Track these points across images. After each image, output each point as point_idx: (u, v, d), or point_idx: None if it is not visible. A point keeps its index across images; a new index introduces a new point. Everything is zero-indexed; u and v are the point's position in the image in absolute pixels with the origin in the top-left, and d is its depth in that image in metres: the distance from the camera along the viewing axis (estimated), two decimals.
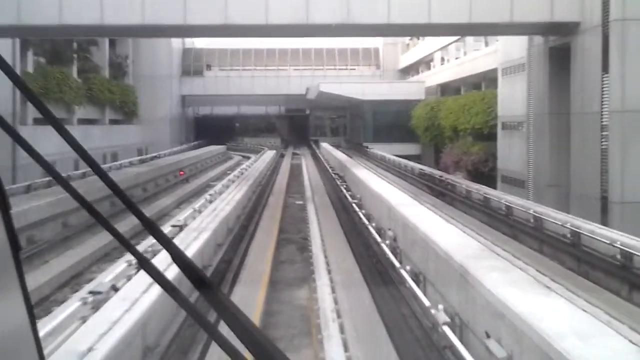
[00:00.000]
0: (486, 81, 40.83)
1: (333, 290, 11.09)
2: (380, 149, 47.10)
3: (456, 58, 49.46)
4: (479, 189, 22.65)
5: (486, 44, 41.42)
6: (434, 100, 46.45)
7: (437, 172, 29.86)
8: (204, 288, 1.20)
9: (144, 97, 59.17)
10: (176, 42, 65.45)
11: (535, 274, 7.63)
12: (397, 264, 10.16)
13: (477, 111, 35.36)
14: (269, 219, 21.14)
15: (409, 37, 62.23)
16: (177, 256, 1.23)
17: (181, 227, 12.96)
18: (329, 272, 12.64)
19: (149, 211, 21.45)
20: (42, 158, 1.26)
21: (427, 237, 9.29)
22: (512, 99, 29.87)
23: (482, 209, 21.29)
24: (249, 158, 46.32)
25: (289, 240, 18.17)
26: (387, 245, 11.55)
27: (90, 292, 8.07)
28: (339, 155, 33.96)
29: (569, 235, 14.17)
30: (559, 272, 13.08)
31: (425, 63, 59.36)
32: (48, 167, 1.27)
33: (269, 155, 43.74)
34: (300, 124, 79.38)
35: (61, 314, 7.29)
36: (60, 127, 1.26)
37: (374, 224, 14.05)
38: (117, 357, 6.08)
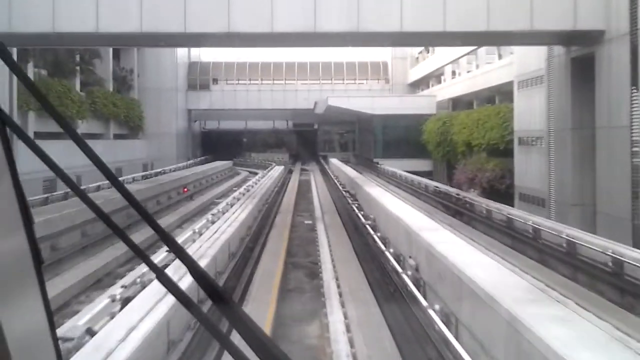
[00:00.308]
0: (500, 95, 39.52)
1: (348, 329, 9.74)
2: (390, 165, 45.83)
3: (468, 72, 48.25)
4: (501, 209, 21.19)
5: (499, 57, 40.16)
6: (446, 115, 45.18)
7: (453, 190, 28.45)
8: (219, 300, 1.20)
9: (149, 111, 58.29)
10: (182, 56, 64.63)
11: (607, 327, 6.22)
12: (423, 301, 8.73)
13: (492, 126, 34.04)
14: (276, 241, 19.80)
15: (418, 51, 61.37)
16: (192, 267, 1.23)
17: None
18: (342, 305, 11.32)
19: (146, 232, 20.24)
20: (62, 171, 1.29)
21: (460, 271, 7.90)
22: (530, 113, 28.58)
23: (505, 231, 19.82)
24: (256, 174, 45.05)
25: (297, 265, 16.79)
26: (408, 277, 10.12)
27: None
28: (349, 171, 32.60)
29: (610, 264, 12.75)
30: (613, 311, 11.67)
31: (435, 77, 58.14)
32: (67, 180, 1.30)
33: (276, 171, 42.43)
34: (308, 139, 78.26)
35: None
36: (79, 141, 1.28)
37: (391, 250, 12.58)
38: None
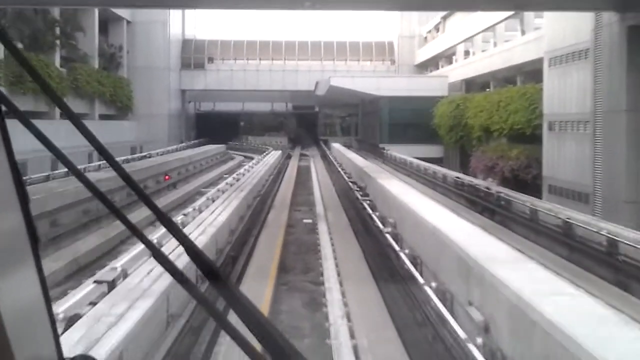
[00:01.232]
0: (523, 75, 35.70)
1: None
2: (397, 151, 42.02)
3: (482, 51, 44.37)
4: (554, 210, 16.86)
5: (522, 33, 36.26)
6: (460, 97, 41.25)
7: (479, 182, 24.54)
8: (215, 279, 1.20)
9: (139, 91, 54.74)
10: (175, 32, 60.80)
11: None
12: None
13: (516, 108, 30.24)
14: (267, 248, 15.72)
15: (427, 30, 57.57)
16: (188, 247, 1.23)
17: (111, 283, 7.86)
18: None
19: (104, 235, 16.82)
20: (59, 151, 1.29)
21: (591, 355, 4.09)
22: (565, 93, 24.86)
23: (562, 239, 15.30)
24: (252, 159, 41.49)
25: (293, 286, 12.52)
26: (475, 344, 6.00)
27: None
28: (355, 158, 28.53)
29: None
30: None
31: (446, 57, 54.28)
32: (65, 160, 1.30)
33: (273, 156, 38.59)
34: (308, 122, 74.63)
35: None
36: (77, 122, 1.28)
37: (433, 284, 8.25)
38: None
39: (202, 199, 16.33)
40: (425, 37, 59.57)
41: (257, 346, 1.12)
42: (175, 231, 1.27)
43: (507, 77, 39.01)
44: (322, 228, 17.02)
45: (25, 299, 1.25)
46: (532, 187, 27.08)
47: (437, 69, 56.11)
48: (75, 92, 41.36)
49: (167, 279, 7.22)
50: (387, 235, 11.92)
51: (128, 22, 55.89)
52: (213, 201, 16.05)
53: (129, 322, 6.22)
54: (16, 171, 1.21)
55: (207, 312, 1.28)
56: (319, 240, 15.93)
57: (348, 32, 58.71)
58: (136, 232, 1.33)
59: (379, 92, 46.55)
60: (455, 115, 39.62)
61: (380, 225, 13.16)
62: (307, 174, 34.36)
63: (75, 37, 43.98)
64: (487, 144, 35.67)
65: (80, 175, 1.32)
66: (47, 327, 1.31)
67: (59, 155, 1.28)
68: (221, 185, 19.86)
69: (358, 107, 64.88)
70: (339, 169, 29.59)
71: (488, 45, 43.92)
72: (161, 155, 38.49)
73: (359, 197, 18.09)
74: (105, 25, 53.61)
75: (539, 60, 29.21)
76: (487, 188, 21.27)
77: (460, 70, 46.80)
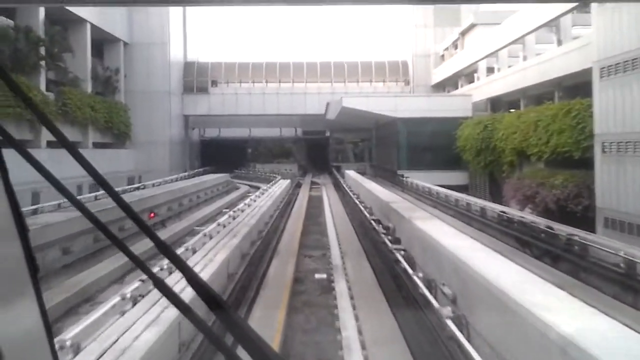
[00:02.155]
0: (562, 90, 31.55)
1: None
2: (417, 178, 37.84)
3: (509, 66, 40.37)
4: None
5: (559, 43, 32.27)
6: (487, 118, 37.09)
7: (538, 220, 19.13)
8: (219, 309, 1.20)
9: (138, 117, 51.34)
10: (176, 54, 57.25)
11: None
12: None
13: (560, 128, 26.08)
14: (261, 330, 10.11)
15: (444, 47, 53.90)
16: (189, 275, 1.24)
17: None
18: None
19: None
20: (59, 183, 1.30)
21: None
22: (623, 109, 20.80)
23: None
24: (257, 188, 37.58)
25: None
26: None
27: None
28: (375, 189, 23.84)
29: None
30: None
31: (466, 76, 50.32)
32: (65, 191, 1.32)
33: (280, 186, 34.48)
34: (319, 148, 70.70)
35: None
36: (75, 152, 1.29)
37: None
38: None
39: (182, 249, 12.19)
40: (442, 55, 55.90)
41: None
42: (177, 261, 1.27)
43: (540, 94, 34.97)
44: (341, 288, 12.23)
45: (25, 329, 1.23)
46: (583, 220, 22.87)
47: (456, 88, 52.18)
48: (64, 118, 37.82)
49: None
50: (449, 323, 7.55)
51: (125, 43, 52.62)
52: (194, 253, 11.95)
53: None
54: (14, 201, 1.21)
55: (212, 343, 1.24)
56: (337, 312, 10.85)
57: (359, 51, 55.19)
58: (138, 263, 1.31)
59: (395, 113, 42.37)
60: (483, 138, 35.51)
61: (431, 299, 8.61)
62: (319, 208, 29.96)
63: (63, 59, 40.42)
64: (521, 170, 31.62)
65: (80, 207, 1.32)
66: (48, 358, 1.29)
67: (58, 186, 1.29)
68: (211, 227, 15.70)
69: (372, 131, 60.97)
70: (356, 201, 25.35)
71: (515, 61, 39.96)
72: (158, 186, 34.40)
73: (387, 241, 13.79)
74: (100, 47, 50.41)
75: (584, 73, 25.26)
76: (549, 228, 16.70)
77: (484, 89, 42.69)
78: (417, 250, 11.81)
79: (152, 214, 21.77)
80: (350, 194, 29.70)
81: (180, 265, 1.26)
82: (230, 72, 61.59)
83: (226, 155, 66.61)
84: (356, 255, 16.22)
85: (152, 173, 46.55)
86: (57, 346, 5.55)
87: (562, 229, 16.40)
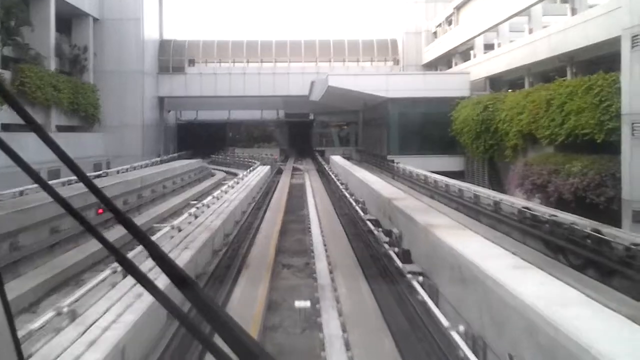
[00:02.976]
0: (575, 66, 28.16)
1: None
2: (409, 163, 34.46)
3: (510, 41, 36.94)
4: None
5: (573, 12, 28.81)
6: (488, 97, 33.53)
7: (579, 221, 14.87)
8: (185, 287, 1.18)
9: (108, 98, 47.63)
10: (151, 32, 53.50)
11: None
12: None
13: (579, 107, 22.67)
14: None
15: (436, 24, 50.30)
16: (158, 256, 1.22)
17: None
18: None
19: None
20: (29, 167, 1.29)
21: None
22: None
23: None
24: (236, 175, 34.03)
25: None
26: None
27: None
28: (368, 179, 19.62)
29: None
30: None
31: (460, 54, 46.90)
32: (35, 176, 1.32)
33: (257, 174, 30.86)
34: (302, 132, 67.01)
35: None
36: (43, 134, 1.26)
37: None
38: None
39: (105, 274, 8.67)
40: (435, 32, 52.30)
41: (229, 352, 1.10)
42: (140, 236, 1.24)
43: (547, 70, 31.64)
44: (331, 326, 8.25)
45: None
46: (605, 213, 19.55)
47: (449, 67, 48.68)
48: (23, 98, 34.11)
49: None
50: None
51: (95, 19, 48.84)
52: (129, 273, 8.42)
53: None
54: None
55: (178, 320, 1.21)
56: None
57: (346, 30, 51.70)
58: (108, 246, 1.29)
59: (387, 93, 38.61)
60: (483, 120, 32.08)
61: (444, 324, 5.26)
62: (301, 201, 26.03)
63: (21, 33, 36.58)
64: (525, 155, 28.30)
65: (52, 193, 1.33)
66: (11, 352, 1.27)
67: (27, 170, 1.28)
68: (163, 231, 12.19)
69: (359, 113, 57.46)
70: (344, 193, 21.62)
71: (517, 36, 36.59)
72: (123, 173, 30.63)
73: (393, 256, 10.05)
74: (68, 23, 46.67)
75: (607, 44, 21.94)
76: (597, 231, 13.13)
77: (482, 67, 39.13)
78: (445, 279, 8.21)
79: (100, 210, 18.07)
80: (337, 183, 26.05)
81: (143, 239, 1.22)
82: (209, 50, 57.89)
83: (204, 139, 63.29)
84: (350, 272, 12.21)
85: (123, 159, 42.90)
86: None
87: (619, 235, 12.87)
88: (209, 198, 18.51)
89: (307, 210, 21.22)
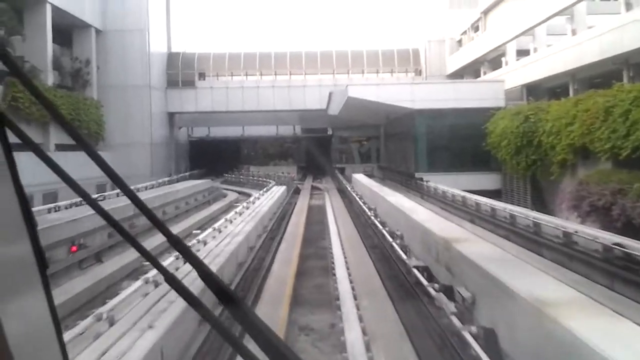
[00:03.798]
0: (633, 69, 24.57)
1: None
2: (439, 182, 30.94)
3: (548, 46, 33.40)
4: None
5: (627, 7, 25.21)
6: (530, 107, 29.81)
7: None
8: (229, 303, 1.19)
9: (114, 114, 44.70)
10: (158, 44, 50.48)
11: None
12: None
13: None
14: None
15: (461, 31, 46.90)
16: (200, 268, 1.23)
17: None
18: None
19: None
20: (74, 181, 1.33)
21: None
22: None
23: None
24: (249, 196, 30.60)
25: None
26: None
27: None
28: (404, 204, 15.90)
29: None
30: None
31: (489, 61, 43.41)
32: (79, 190, 1.34)
33: (273, 196, 27.38)
34: (320, 148, 63.54)
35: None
36: (91, 152, 1.29)
37: None
38: None
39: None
40: (460, 40, 48.87)
41: None
42: (188, 255, 1.26)
43: (595, 75, 28.06)
44: None
45: (33, 326, 1.23)
46: None
47: (477, 77, 45.13)
48: (16, 114, 31.14)
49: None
50: None
51: (97, 30, 45.83)
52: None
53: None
54: (22, 196, 1.20)
55: (222, 337, 1.24)
56: None
57: (364, 40, 48.58)
58: (149, 257, 1.34)
59: (412, 104, 34.91)
60: (524, 132, 28.45)
61: None
62: (322, 226, 22.61)
63: (12, 44, 33.59)
64: (574, 172, 24.73)
65: (95, 206, 1.34)
66: (57, 353, 1.28)
67: (72, 185, 1.31)
68: (135, 286, 8.82)
69: (380, 127, 53.95)
70: (373, 220, 18.13)
71: (556, 39, 33.09)
72: (118, 197, 27.08)
73: (466, 337, 6.60)
74: (68, 35, 43.78)
75: None
76: None
77: (517, 74, 35.50)
78: None
79: (74, 247, 14.60)
80: (363, 207, 22.44)
81: (191, 259, 1.24)
82: (220, 63, 54.80)
83: (217, 157, 59.98)
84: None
85: (130, 179, 39.43)
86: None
87: None
88: (208, 231, 14.99)
89: (329, 242, 17.57)
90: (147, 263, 15.26)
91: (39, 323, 1.25)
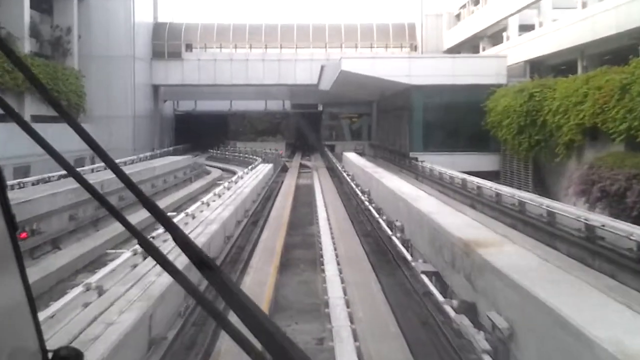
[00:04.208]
0: None
1: None
2: (435, 162, 29.19)
3: (553, 20, 31.50)
4: None
5: None
6: (535, 84, 27.89)
7: None
8: (208, 270, 1.18)
9: (95, 85, 42.68)
10: (143, 13, 48.45)
11: None
12: None
13: None
14: None
15: (460, 4, 45.00)
16: (176, 234, 1.21)
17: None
18: None
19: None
20: (58, 153, 1.32)
21: None
22: None
23: None
24: (234, 173, 28.73)
25: None
26: None
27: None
28: (406, 190, 13.68)
29: None
30: None
31: (489, 37, 41.48)
32: (63, 162, 1.34)
33: (255, 176, 25.45)
34: (310, 124, 61.62)
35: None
36: (74, 123, 1.29)
37: None
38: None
39: None
40: (458, 14, 46.88)
41: (252, 338, 1.09)
42: (165, 221, 1.24)
43: (606, 51, 26.20)
44: None
45: (5, 295, 1.23)
46: None
47: (475, 53, 43.17)
48: None
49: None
50: None
51: None
52: None
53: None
54: None
55: (199, 304, 1.23)
56: None
57: (358, 13, 46.50)
58: (130, 228, 1.31)
59: (409, 79, 32.89)
60: (528, 111, 26.62)
61: None
62: (310, 210, 20.71)
63: None
64: (581, 154, 23.01)
65: (79, 178, 1.37)
66: (29, 320, 1.30)
67: (56, 157, 1.32)
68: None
69: (372, 104, 52.04)
70: (367, 206, 16.32)
71: (560, 13, 31.20)
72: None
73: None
74: (49, 1, 41.35)
75: None
76: None
77: (521, 49, 33.55)
78: None
79: (24, 234, 12.73)
80: (355, 189, 20.55)
81: (168, 224, 1.21)
82: (208, 34, 52.61)
83: (203, 132, 58.12)
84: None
85: (112, 153, 34.76)
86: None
87: None
88: (180, 216, 13.09)
89: (318, 229, 15.70)
90: (112, 250, 13.28)
91: (11, 293, 1.22)
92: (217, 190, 18.18)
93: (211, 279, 1.15)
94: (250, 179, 23.51)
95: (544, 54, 30.84)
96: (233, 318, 1.13)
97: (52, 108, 1.27)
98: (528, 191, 24.40)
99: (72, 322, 6.30)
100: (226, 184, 20.22)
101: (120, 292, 7.47)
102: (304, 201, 24.04)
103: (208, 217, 13.49)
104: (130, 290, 7.57)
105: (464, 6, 45.34)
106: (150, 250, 1.23)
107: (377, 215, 14.41)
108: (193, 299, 1.25)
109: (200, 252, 1.18)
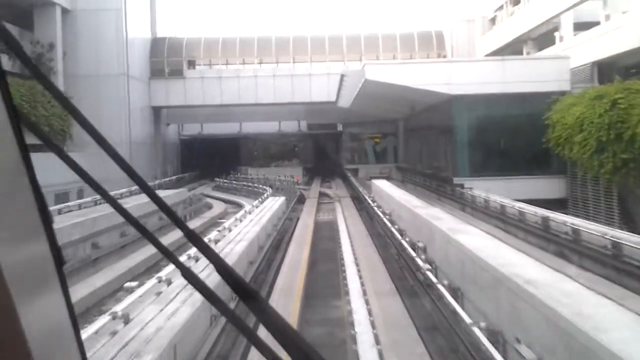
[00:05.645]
0: None
1: None
2: (484, 189, 23.43)
3: (623, 13, 25.67)
4: None
5: None
6: (616, 89, 21.69)
7: None
8: (245, 296, 1.20)
9: (83, 108, 32.28)
10: (139, 27, 43.53)
11: None
12: None
13: None
14: None
15: (496, 7, 39.60)
16: (218, 264, 1.23)
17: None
18: None
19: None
20: (92, 179, 1.36)
21: None
22: None
23: None
24: (241, 207, 23.07)
25: None
26: None
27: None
28: (502, 255, 8.44)
29: None
30: None
31: (533, 40, 35.77)
32: (97, 188, 1.37)
33: (266, 212, 19.54)
34: (329, 146, 56.30)
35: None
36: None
37: None
38: None
39: None
40: (493, 18, 41.27)
41: None
42: (205, 249, 1.27)
43: None
44: None
45: (51, 323, 1.24)
46: None
47: None
48: None
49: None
50: None
51: (65, 10, 38.61)
52: None
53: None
54: (38, 193, 1.21)
55: (239, 331, 1.26)
56: None
57: (379, 21, 41.31)
58: (167, 253, 1.33)
59: (449, 88, 26.70)
60: (612, 123, 20.53)
61: None
62: (334, 268, 14.17)
63: None
64: None
65: (113, 203, 1.37)
66: (74, 350, 1.31)
67: (92, 184, 1.34)
68: None
69: (398, 122, 46.45)
70: (424, 272, 10.23)
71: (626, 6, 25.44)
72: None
73: None
74: (29, 13, 36.62)
75: None
76: None
77: (584, 48, 27.43)
78: None
79: None
80: (397, 236, 14.49)
81: (208, 253, 1.24)
82: (213, 49, 47.90)
83: (211, 158, 52.73)
84: None
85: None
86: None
87: None
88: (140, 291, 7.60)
89: (349, 311, 9.58)
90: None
91: (57, 321, 1.23)
92: (191, 252, 11.81)
93: (252, 306, 1.14)
94: (253, 224, 17.34)
95: (616, 52, 24.83)
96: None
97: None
98: (611, 225, 18.49)
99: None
100: (212, 236, 14.16)
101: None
102: (325, 247, 17.87)
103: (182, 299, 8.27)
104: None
105: (500, 8, 39.68)
106: (192, 279, 1.21)
107: (450, 299, 8.30)
108: (238, 330, 1.23)
109: (241, 280, 1.19)
